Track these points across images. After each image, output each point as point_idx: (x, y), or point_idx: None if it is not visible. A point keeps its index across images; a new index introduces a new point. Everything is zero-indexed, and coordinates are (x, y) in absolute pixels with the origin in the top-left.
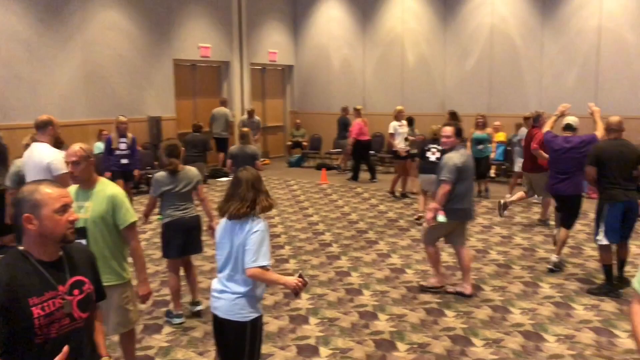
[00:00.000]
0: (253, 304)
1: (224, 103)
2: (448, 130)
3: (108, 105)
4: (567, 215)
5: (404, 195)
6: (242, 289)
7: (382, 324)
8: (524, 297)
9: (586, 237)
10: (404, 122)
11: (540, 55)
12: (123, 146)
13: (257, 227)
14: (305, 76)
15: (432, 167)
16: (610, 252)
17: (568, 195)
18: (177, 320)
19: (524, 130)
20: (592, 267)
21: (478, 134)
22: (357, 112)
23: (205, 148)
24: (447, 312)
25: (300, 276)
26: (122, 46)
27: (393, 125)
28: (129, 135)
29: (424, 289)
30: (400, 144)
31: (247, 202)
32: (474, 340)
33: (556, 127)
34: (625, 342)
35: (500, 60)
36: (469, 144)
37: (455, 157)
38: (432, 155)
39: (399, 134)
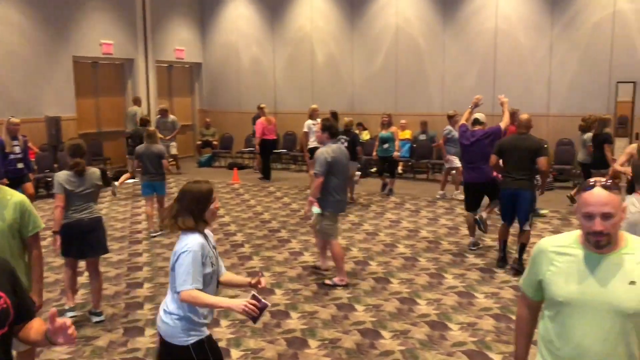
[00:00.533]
0: (193, 326)
1: (137, 102)
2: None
3: (0, 104)
4: (478, 200)
5: None
6: (180, 312)
7: (294, 322)
8: (429, 288)
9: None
10: (319, 121)
11: (442, 56)
12: (17, 149)
13: (187, 246)
14: (214, 74)
15: None
16: (505, 229)
17: (479, 183)
18: (70, 314)
19: (449, 128)
20: (492, 256)
21: (383, 133)
22: (261, 111)
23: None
24: (357, 306)
25: (254, 297)
26: (14, 41)
27: (307, 124)
28: (20, 137)
29: (329, 287)
30: (314, 143)
31: (173, 216)
32: (383, 332)
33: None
34: None
35: (406, 60)
36: (376, 143)
37: (326, 152)
38: (342, 145)
39: (313, 133)
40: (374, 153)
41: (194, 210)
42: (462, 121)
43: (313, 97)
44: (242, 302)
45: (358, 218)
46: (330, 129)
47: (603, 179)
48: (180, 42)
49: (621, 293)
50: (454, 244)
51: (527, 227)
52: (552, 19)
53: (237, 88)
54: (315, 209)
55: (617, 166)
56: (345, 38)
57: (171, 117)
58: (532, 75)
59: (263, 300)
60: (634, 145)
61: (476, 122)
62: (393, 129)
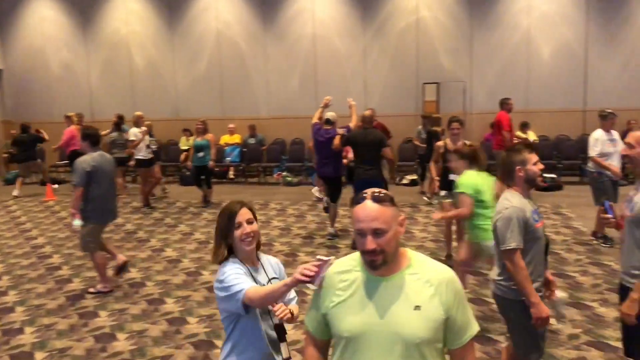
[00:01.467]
0: None
1: None
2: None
3: None
4: (332, 192)
5: (147, 205)
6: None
7: (122, 343)
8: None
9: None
10: (145, 128)
11: (265, 60)
12: None
13: (222, 275)
14: (18, 81)
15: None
16: None
17: (331, 177)
18: None
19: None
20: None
21: (198, 141)
22: (68, 120)
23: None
24: (189, 319)
25: (319, 260)
26: None
27: (133, 132)
28: None
29: (91, 293)
30: (142, 151)
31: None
32: (217, 342)
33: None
34: None
35: (229, 64)
36: (191, 150)
37: (85, 162)
38: (153, 146)
39: (141, 141)
40: (188, 162)
41: (219, 237)
42: (314, 120)
43: (134, 103)
44: (301, 269)
45: (189, 227)
46: (91, 138)
47: (377, 190)
48: None
49: (406, 320)
50: (285, 245)
51: None
52: (363, 25)
53: (48, 96)
54: (77, 222)
55: (431, 165)
56: (165, 42)
57: None
58: (350, 78)
59: (326, 258)
60: (440, 144)
61: (328, 122)
62: (209, 136)
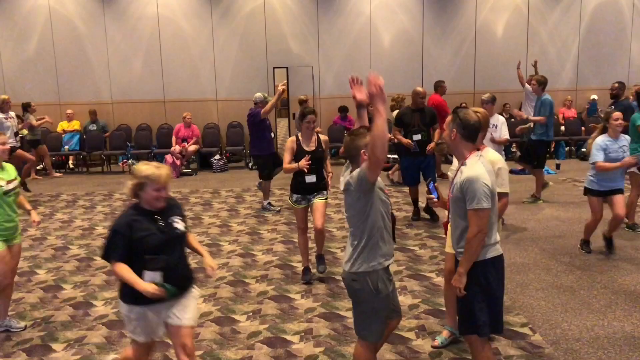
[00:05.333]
0: None
1: None
2: None
3: None
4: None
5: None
6: None
7: None
8: (107, 288)
9: None
10: (12, 114)
11: (105, 41)
12: None
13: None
14: None
15: None
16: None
17: None
18: None
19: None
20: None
21: None
22: None
23: None
24: (22, 323)
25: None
26: None
27: None
28: None
29: None
30: (10, 140)
31: None
32: (54, 345)
33: None
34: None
35: (65, 45)
36: None
37: None
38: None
39: (7, 128)
40: None
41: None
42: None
43: None
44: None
45: (22, 223)
46: None
47: None
48: None
49: None
50: None
51: None
52: (210, 7)
53: None
54: None
55: (286, 165)
56: None
57: None
58: (198, 61)
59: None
60: (293, 139)
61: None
62: None
